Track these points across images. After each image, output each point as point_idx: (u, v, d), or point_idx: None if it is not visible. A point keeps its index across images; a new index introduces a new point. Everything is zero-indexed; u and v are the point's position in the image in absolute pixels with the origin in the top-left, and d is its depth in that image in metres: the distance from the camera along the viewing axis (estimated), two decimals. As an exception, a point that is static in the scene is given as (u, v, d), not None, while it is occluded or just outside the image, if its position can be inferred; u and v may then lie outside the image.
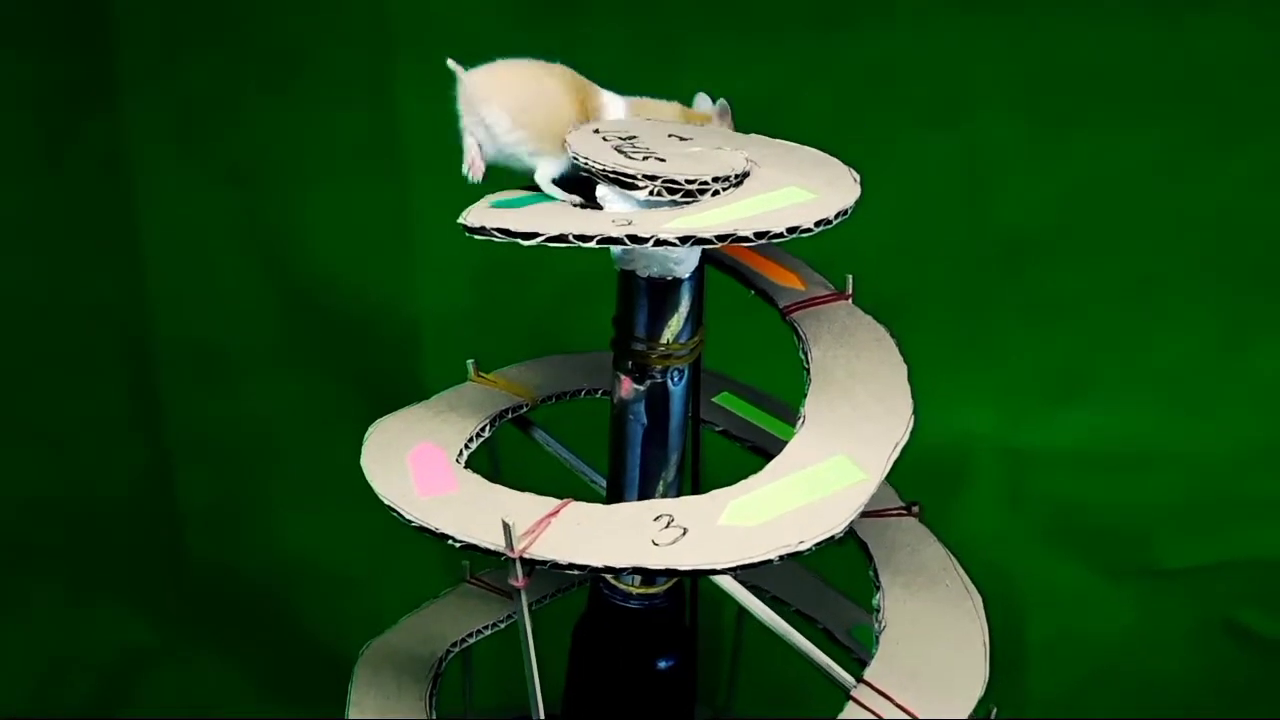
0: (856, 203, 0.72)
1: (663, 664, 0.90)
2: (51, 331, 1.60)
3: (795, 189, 0.74)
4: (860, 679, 0.82)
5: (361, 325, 1.62)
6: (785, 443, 0.94)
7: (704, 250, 0.81)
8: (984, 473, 1.60)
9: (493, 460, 0.99)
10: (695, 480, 0.92)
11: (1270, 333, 1.58)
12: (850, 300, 0.89)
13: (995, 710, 1.05)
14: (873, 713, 0.79)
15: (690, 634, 0.94)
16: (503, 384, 0.97)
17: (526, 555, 0.71)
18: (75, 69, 1.54)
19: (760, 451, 0.99)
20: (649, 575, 0.86)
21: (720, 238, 0.68)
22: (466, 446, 0.87)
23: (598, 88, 0.85)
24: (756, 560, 0.69)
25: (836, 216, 0.70)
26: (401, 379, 1.58)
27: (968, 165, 1.56)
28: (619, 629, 0.90)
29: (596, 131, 0.81)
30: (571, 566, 0.71)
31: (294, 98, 1.54)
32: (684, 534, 0.72)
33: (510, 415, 0.95)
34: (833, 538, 0.71)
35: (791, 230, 0.68)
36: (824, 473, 0.75)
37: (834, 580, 1.15)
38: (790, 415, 1.01)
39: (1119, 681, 1.62)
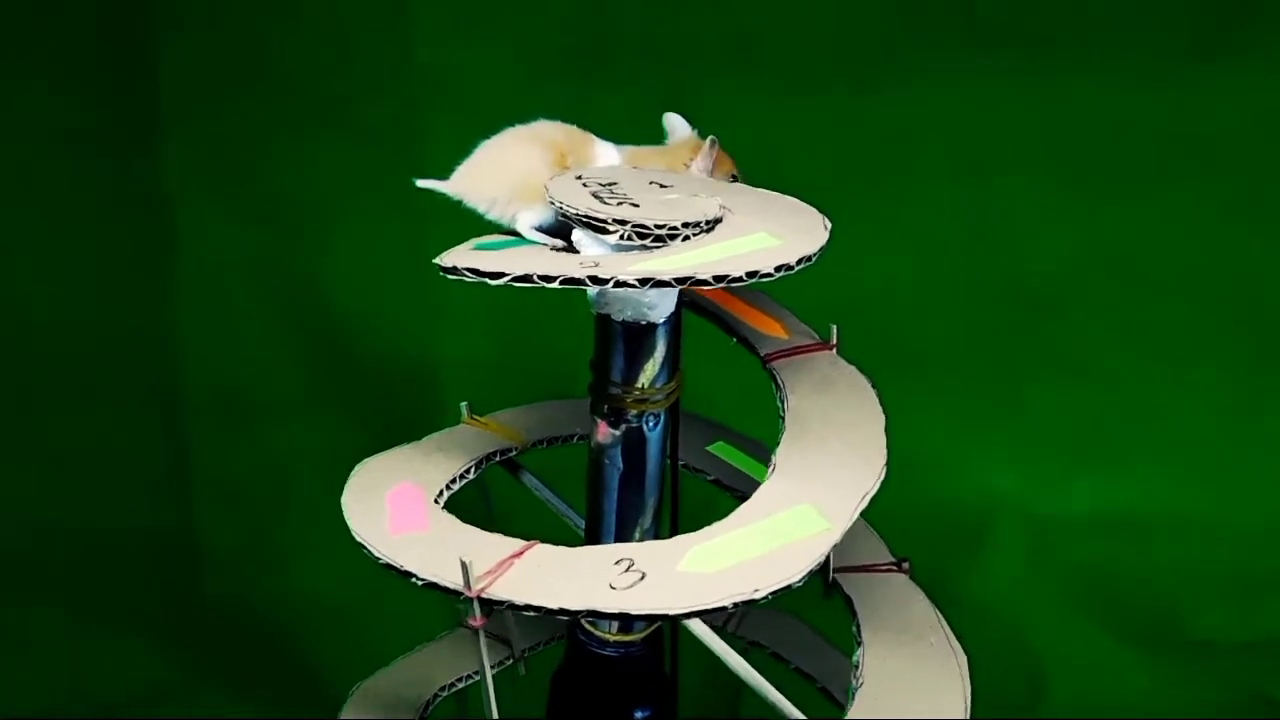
0: (822, 249, 0.72)
1: (640, 714, 0.89)
2: (85, 368, 1.63)
3: (764, 235, 0.73)
4: (832, 737, 0.80)
5: (382, 371, 1.63)
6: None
7: (681, 296, 0.81)
8: (1004, 534, 1.58)
9: (485, 503, 0.99)
10: (674, 525, 0.91)
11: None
12: (835, 350, 0.88)
13: None
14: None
15: (670, 684, 0.93)
16: (494, 427, 0.98)
17: (484, 595, 0.71)
18: (115, 112, 1.57)
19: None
20: (621, 621, 0.85)
21: (680, 280, 0.68)
22: (448, 487, 0.87)
23: (592, 138, 0.87)
24: (710, 607, 0.69)
25: (799, 263, 0.70)
26: (421, 424, 1.59)
27: (992, 223, 1.56)
28: (595, 677, 0.89)
29: (579, 178, 0.81)
30: (528, 608, 0.71)
31: (325, 143, 1.57)
32: (642, 578, 0.71)
33: (499, 458, 0.95)
34: (789, 587, 0.70)
35: (751, 274, 0.68)
36: (788, 521, 0.74)
37: (838, 639, 1.13)
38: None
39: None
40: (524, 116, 0.88)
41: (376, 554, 0.76)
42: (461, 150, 0.88)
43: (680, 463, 0.96)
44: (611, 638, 0.88)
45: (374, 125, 1.58)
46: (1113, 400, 1.58)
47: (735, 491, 0.99)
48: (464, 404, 0.98)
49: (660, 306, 0.79)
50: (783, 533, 0.73)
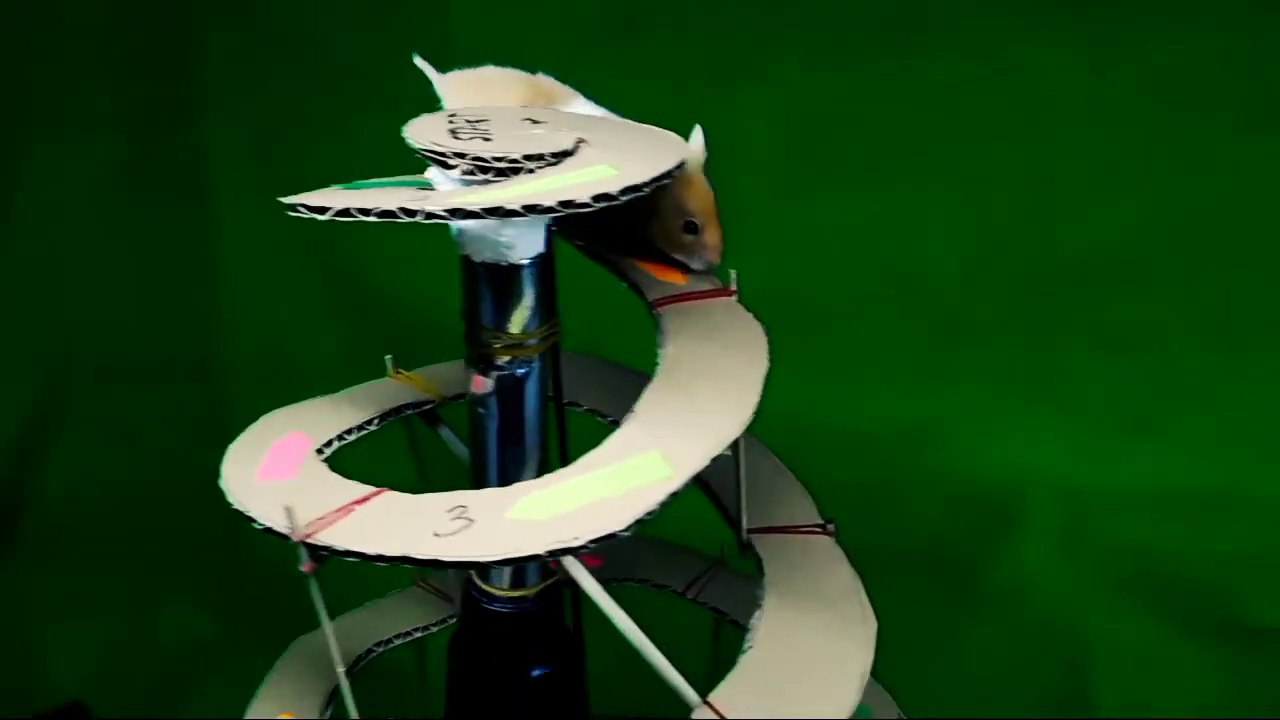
0: (656, 181, 0.68)
1: (536, 672, 0.86)
2: (134, 338, 1.67)
3: (605, 167, 0.70)
4: (705, 699, 0.76)
5: (424, 341, 1.62)
6: (720, 461, 0.90)
7: (549, 235, 0.77)
8: (1043, 512, 1.51)
9: (415, 456, 0.98)
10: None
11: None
12: (735, 297, 0.83)
13: None
14: (707, 736, 0.74)
15: (573, 641, 0.90)
16: (417, 381, 0.96)
17: (309, 541, 0.69)
18: (158, 92, 1.61)
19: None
20: (480, 571, 0.83)
21: (489, 210, 0.65)
22: (340, 438, 0.85)
23: (574, 96, 0.87)
24: (523, 555, 0.65)
25: (622, 193, 0.66)
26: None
27: (1040, 187, 1.48)
28: (489, 635, 0.86)
29: (450, 115, 0.79)
30: (348, 553, 0.68)
31: (363, 120, 1.57)
32: (468, 525, 0.68)
33: (411, 411, 0.93)
34: (613, 535, 0.66)
35: (565, 204, 0.64)
36: (632, 468, 0.70)
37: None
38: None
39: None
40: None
41: (231, 499, 0.75)
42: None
43: (576, 405, 0.93)
44: (502, 593, 0.85)
45: (412, 102, 1.58)
46: (1166, 375, 1.49)
47: (612, 417, 0.95)
48: (389, 357, 0.96)
49: (520, 246, 0.75)
50: (622, 480, 0.69)
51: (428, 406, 0.94)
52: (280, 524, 0.70)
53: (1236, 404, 1.47)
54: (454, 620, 1.01)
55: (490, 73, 0.92)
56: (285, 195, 1.64)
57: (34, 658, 1.55)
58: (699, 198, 0.82)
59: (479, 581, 0.86)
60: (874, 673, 1.04)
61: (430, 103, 1.54)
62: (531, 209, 0.64)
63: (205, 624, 1.58)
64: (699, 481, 0.90)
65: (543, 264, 0.77)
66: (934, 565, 1.51)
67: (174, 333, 1.67)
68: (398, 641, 1.02)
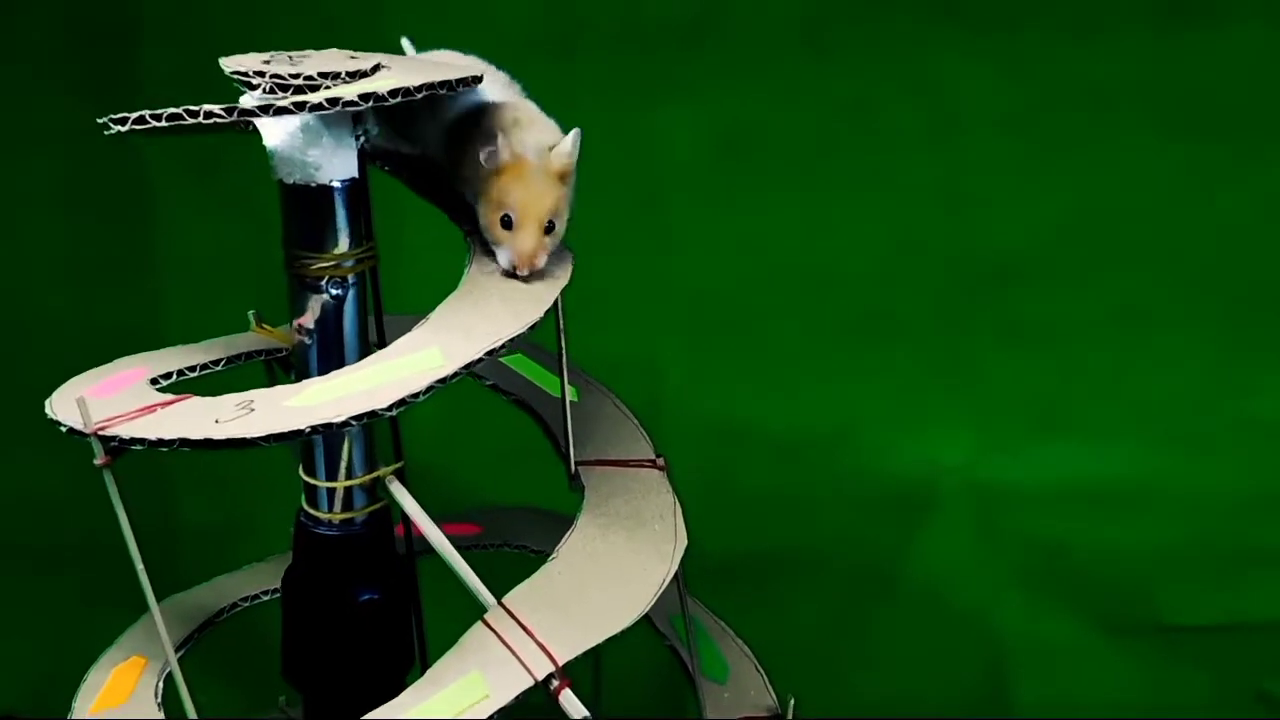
0: (431, 87, 0.71)
1: (365, 596, 0.88)
2: (73, 350, 1.70)
3: (390, 80, 0.74)
4: (500, 602, 0.78)
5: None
6: (551, 398, 0.94)
7: (362, 162, 0.81)
8: (957, 509, 1.51)
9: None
10: (394, 422, 0.91)
11: (1272, 366, 1.45)
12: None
13: (794, 702, 0.99)
14: (497, 634, 0.76)
15: (401, 567, 0.92)
16: (276, 334, 0.99)
17: (101, 433, 0.72)
18: (98, 109, 1.66)
19: (525, 407, 0.98)
20: (342, 495, 0.86)
21: (263, 109, 0.69)
22: (180, 374, 0.89)
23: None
24: (285, 432, 0.68)
25: (391, 94, 0.70)
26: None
27: (953, 188, 1.51)
28: (318, 560, 0.89)
29: (275, 53, 0.83)
30: (134, 441, 0.72)
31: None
32: (249, 413, 0.72)
33: (262, 358, 0.96)
34: (376, 413, 0.69)
35: (332, 102, 0.68)
36: (410, 363, 0.73)
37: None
38: (574, 375, 0.99)
39: (1125, 759, 1.48)
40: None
41: (49, 411, 0.78)
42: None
43: (479, 377, 0.97)
44: (326, 516, 0.88)
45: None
46: (1078, 370, 1.50)
47: (510, 395, 0.99)
48: (251, 312, 1.00)
49: (326, 167, 0.79)
50: (398, 371, 0.72)
51: (282, 354, 0.97)
52: (72, 420, 0.73)
53: (1144, 398, 1.47)
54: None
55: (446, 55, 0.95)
56: (221, 203, 1.66)
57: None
58: (525, 194, 0.81)
59: (308, 508, 0.88)
60: (738, 633, 1.07)
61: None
62: (300, 106, 0.68)
63: None
64: (538, 420, 0.93)
65: (355, 188, 0.81)
66: (850, 564, 1.52)
67: (113, 349, 1.70)
68: (264, 598, 1.05)
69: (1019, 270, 1.50)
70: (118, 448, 0.74)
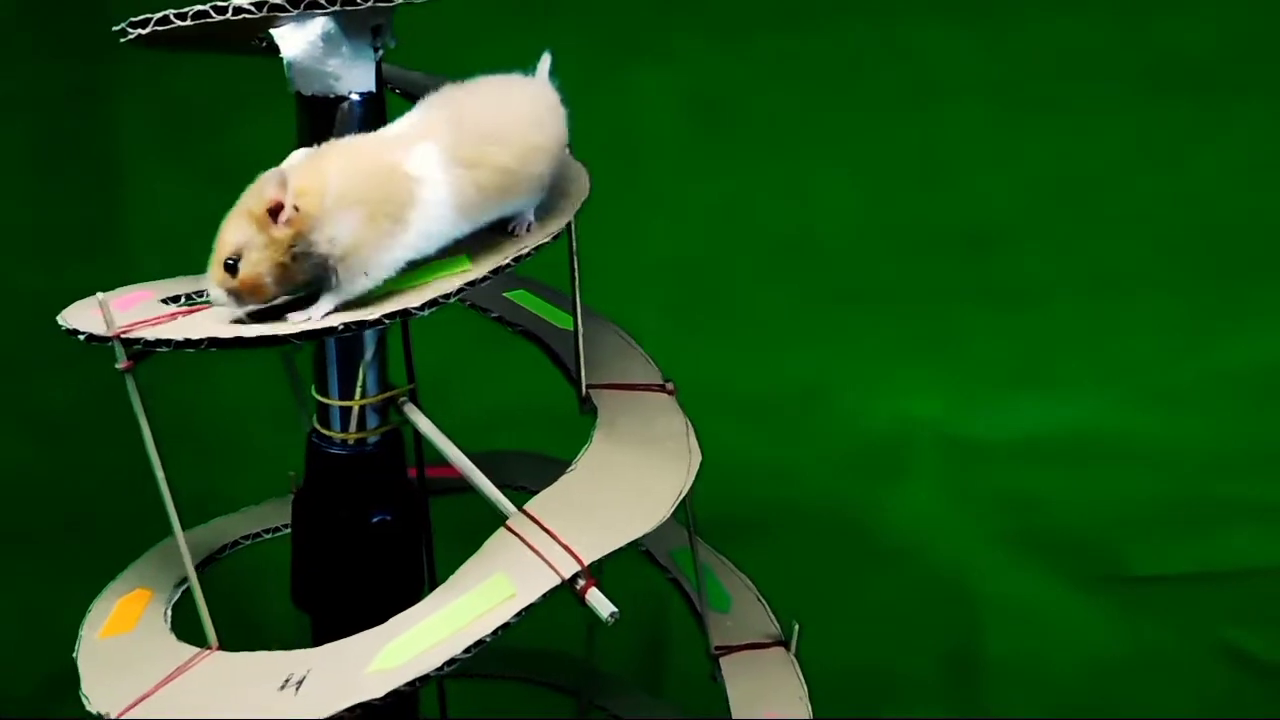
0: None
1: (377, 517, 0.88)
2: (42, 324, 1.67)
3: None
4: (520, 509, 0.79)
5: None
6: (558, 329, 0.94)
7: (379, 77, 0.82)
8: (930, 466, 1.53)
9: (290, 373, 1.02)
10: (405, 341, 0.92)
11: (1241, 324, 1.49)
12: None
13: (798, 628, 1.00)
14: (520, 537, 0.76)
15: (413, 490, 0.93)
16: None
17: (124, 336, 0.72)
18: (70, 74, 1.63)
19: (532, 337, 0.98)
20: (356, 415, 0.86)
21: (293, 2, 0.69)
22: (189, 298, 0.88)
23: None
24: (317, 329, 0.69)
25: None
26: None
27: (929, 154, 1.53)
28: (330, 480, 0.89)
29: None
30: (159, 342, 0.72)
31: (280, 103, 1.61)
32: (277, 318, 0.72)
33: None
34: (409, 310, 0.69)
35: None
36: (438, 266, 0.74)
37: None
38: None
39: (1095, 709, 1.49)
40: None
41: (60, 318, 0.77)
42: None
43: (484, 310, 0.97)
44: (340, 436, 0.88)
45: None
46: (1050, 328, 1.52)
47: (517, 327, 0.99)
48: None
49: (345, 78, 0.80)
50: (426, 275, 0.73)
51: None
52: (91, 327, 0.73)
53: (1114, 356, 1.50)
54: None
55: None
56: (197, 175, 1.64)
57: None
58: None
59: (320, 428, 0.88)
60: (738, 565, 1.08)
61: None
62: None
63: None
64: (545, 349, 0.94)
65: (372, 102, 0.81)
66: (825, 522, 1.54)
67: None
68: (267, 536, 1.04)
69: (994, 234, 1.52)
70: (141, 352, 0.73)
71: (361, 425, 0.88)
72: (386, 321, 0.70)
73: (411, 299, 0.71)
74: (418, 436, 0.92)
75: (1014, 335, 1.53)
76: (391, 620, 0.74)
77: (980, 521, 1.52)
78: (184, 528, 1.59)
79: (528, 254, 0.75)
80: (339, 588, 0.90)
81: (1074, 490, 1.51)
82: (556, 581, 0.73)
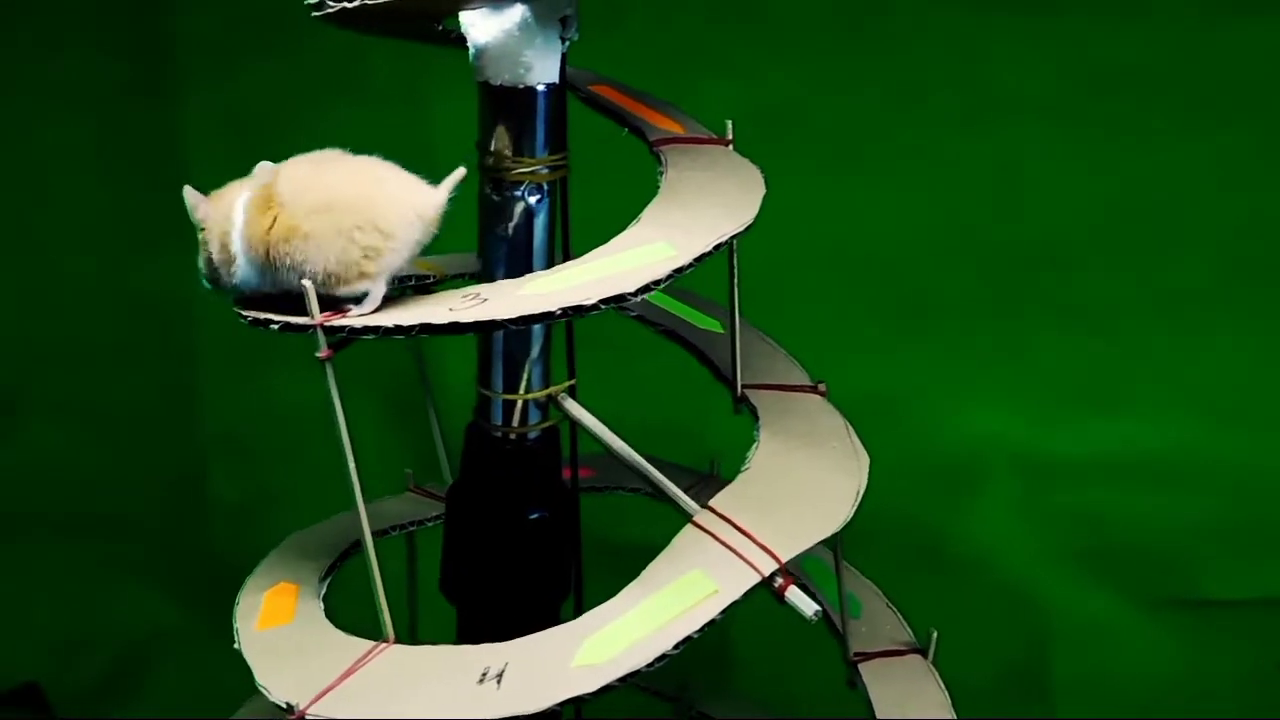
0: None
1: (534, 515, 0.87)
2: (102, 318, 1.66)
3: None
4: (705, 505, 0.78)
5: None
6: (701, 330, 0.94)
7: (563, 68, 0.81)
8: (1004, 483, 1.53)
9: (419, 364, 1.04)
10: (569, 335, 0.91)
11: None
12: (730, 147, 0.88)
13: (936, 635, 0.99)
14: (709, 532, 0.75)
15: (569, 494, 0.92)
16: (422, 264, 0.98)
17: (328, 324, 0.71)
18: (136, 70, 1.62)
19: (675, 337, 0.98)
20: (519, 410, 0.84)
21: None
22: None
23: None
24: (534, 314, 0.68)
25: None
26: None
27: (1001, 170, 1.53)
28: (488, 475, 0.88)
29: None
30: (366, 330, 0.70)
31: (337, 103, 1.60)
32: (483, 302, 0.71)
33: (412, 283, 0.95)
34: (623, 295, 0.69)
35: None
36: (639, 255, 0.73)
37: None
38: (716, 311, 1.00)
39: (1161, 729, 1.50)
40: None
41: (243, 315, 0.76)
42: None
43: (623, 309, 0.96)
44: (501, 429, 0.87)
45: (387, 88, 1.61)
46: (1124, 347, 1.53)
47: (657, 326, 0.99)
48: None
49: (536, 69, 0.79)
50: (629, 262, 0.72)
51: (429, 281, 0.96)
52: (295, 317, 0.72)
53: (1192, 377, 1.51)
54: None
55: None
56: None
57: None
58: None
59: (481, 421, 0.87)
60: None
61: (410, 96, 1.58)
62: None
63: (163, 610, 1.55)
64: (690, 349, 0.93)
65: (556, 94, 0.81)
66: (898, 536, 1.53)
67: (141, 315, 1.66)
68: (393, 533, 1.03)
69: (1065, 252, 1.53)
70: (342, 340, 0.72)
71: (524, 420, 0.87)
72: (602, 307, 0.69)
73: (622, 283, 0.70)
74: (573, 434, 0.91)
75: (1087, 353, 1.53)
76: (585, 615, 0.73)
77: (1051, 539, 1.52)
78: (243, 531, 1.60)
79: (725, 242, 0.75)
80: (491, 582, 0.88)
81: (1146, 511, 1.51)
82: (756, 579, 0.72)
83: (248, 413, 1.63)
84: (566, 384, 0.87)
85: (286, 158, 1.61)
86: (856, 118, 1.54)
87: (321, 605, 0.86)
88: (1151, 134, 1.50)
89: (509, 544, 0.88)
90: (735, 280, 0.91)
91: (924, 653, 0.98)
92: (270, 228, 0.74)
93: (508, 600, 0.88)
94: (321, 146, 1.61)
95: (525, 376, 0.86)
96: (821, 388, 0.93)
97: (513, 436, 0.87)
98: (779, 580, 0.73)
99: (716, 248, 0.73)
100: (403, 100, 1.58)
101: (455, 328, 0.68)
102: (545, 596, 0.90)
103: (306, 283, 0.71)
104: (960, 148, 1.53)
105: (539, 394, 0.87)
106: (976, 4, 1.50)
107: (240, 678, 1.58)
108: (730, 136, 0.88)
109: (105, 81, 1.60)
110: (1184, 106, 1.50)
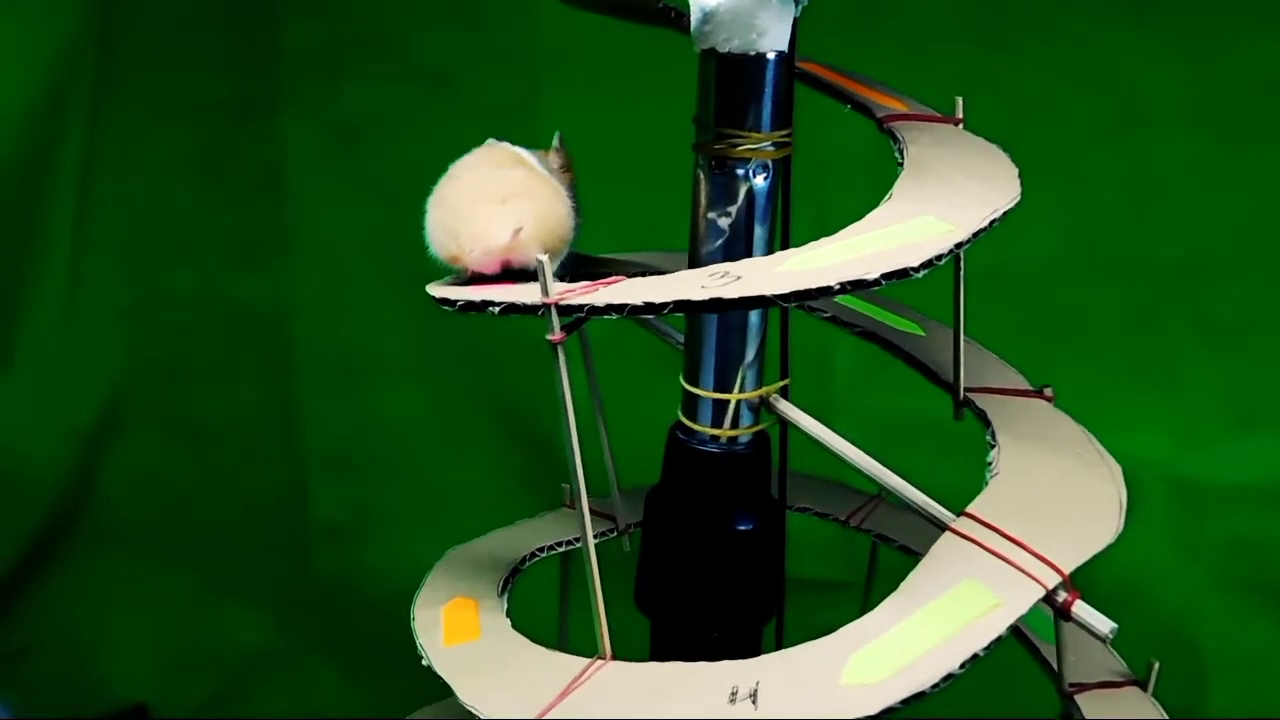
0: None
1: (743, 526, 0.79)
2: (204, 335, 1.62)
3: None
4: (961, 513, 0.71)
5: (494, 344, 1.58)
6: (901, 331, 0.87)
7: (794, 35, 0.75)
8: (1154, 506, 1.44)
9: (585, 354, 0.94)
10: (784, 332, 0.83)
11: None
12: (960, 125, 0.81)
13: (1158, 666, 0.92)
14: (974, 541, 0.68)
15: (778, 506, 0.84)
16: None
17: (562, 303, 0.64)
18: (239, 87, 1.58)
19: (872, 338, 0.91)
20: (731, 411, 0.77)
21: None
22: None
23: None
24: (810, 288, 0.61)
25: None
26: (530, 396, 1.53)
27: (1140, 183, 1.47)
28: (693, 480, 0.80)
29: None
30: (609, 308, 0.64)
31: (443, 121, 1.55)
32: (735, 280, 0.64)
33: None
34: (906, 270, 0.61)
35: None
36: (906, 230, 0.66)
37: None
38: (910, 314, 0.93)
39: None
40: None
41: (454, 297, 0.69)
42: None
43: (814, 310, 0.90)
44: (711, 432, 0.79)
45: (493, 100, 1.56)
46: (1275, 367, 1.45)
47: (855, 328, 0.92)
48: None
49: (770, 35, 0.72)
50: (889, 240, 0.65)
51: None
52: (525, 297, 0.65)
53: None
54: (607, 534, 0.95)
55: None
56: (362, 193, 1.59)
57: (96, 658, 1.51)
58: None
59: (687, 421, 0.80)
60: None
61: (520, 112, 1.53)
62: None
63: (267, 632, 1.54)
64: (893, 351, 0.86)
65: (786, 63, 0.74)
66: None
67: (244, 332, 1.62)
68: (553, 552, 0.96)
69: (1209, 265, 1.46)
70: (572, 323, 0.65)
71: (735, 422, 0.79)
72: (883, 282, 0.62)
73: (900, 258, 0.63)
74: (783, 439, 0.84)
75: (1236, 371, 1.46)
76: (843, 630, 0.65)
77: (1208, 568, 1.44)
78: (345, 550, 1.54)
79: (1000, 217, 0.67)
80: (690, 595, 0.81)
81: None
82: (1040, 592, 0.65)
83: (349, 429, 1.59)
84: (780, 384, 0.80)
85: (390, 173, 1.56)
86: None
87: (508, 620, 0.79)
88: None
89: (714, 557, 0.80)
90: (961, 277, 0.84)
91: (1143, 685, 0.90)
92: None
93: (706, 616, 0.81)
94: (427, 163, 1.56)
95: (739, 375, 0.78)
96: (1048, 392, 0.86)
97: (724, 440, 0.79)
98: (1063, 594, 0.65)
99: (992, 223, 0.65)
100: (512, 115, 1.53)
101: (717, 304, 0.61)
102: (750, 616, 0.82)
103: (543, 256, 0.64)
104: (1097, 161, 1.47)
105: (751, 394, 0.79)
106: (1111, 13, 1.44)
107: (343, 697, 1.54)
108: (960, 115, 0.80)
109: (210, 96, 1.57)
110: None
